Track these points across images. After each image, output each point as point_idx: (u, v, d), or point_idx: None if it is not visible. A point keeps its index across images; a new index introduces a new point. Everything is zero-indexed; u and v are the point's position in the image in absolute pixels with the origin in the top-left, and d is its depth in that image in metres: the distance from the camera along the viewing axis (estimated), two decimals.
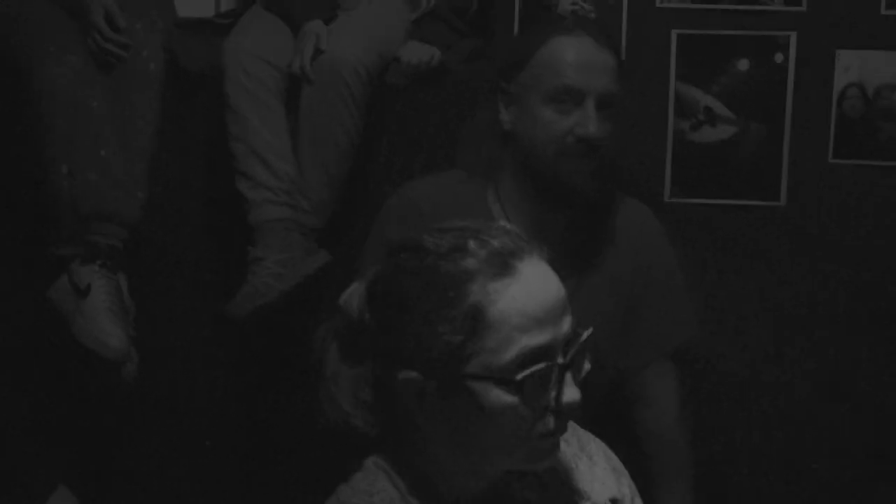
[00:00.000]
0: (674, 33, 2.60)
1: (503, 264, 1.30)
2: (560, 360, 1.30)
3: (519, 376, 1.27)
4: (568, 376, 1.31)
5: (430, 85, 2.59)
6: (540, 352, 1.28)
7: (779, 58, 2.59)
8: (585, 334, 1.33)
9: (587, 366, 1.36)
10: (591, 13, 2.61)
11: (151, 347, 2.65)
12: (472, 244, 1.32)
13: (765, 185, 2.62)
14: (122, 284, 2.60)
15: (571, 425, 1.51)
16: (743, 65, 2.60)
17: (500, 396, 1.29)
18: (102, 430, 2.76)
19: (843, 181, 2.61)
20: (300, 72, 2.49)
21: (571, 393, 1.31)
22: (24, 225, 2.69)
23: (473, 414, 1.30)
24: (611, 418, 2.24)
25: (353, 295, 1.41)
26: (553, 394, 1.30)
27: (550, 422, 1.31)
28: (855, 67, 2.57)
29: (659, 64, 2.60)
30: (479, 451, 1.34)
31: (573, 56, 2.06)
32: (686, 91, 2.61)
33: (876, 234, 2.62)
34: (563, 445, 1.50)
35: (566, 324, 1.31)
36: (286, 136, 2.54)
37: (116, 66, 2.59)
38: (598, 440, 1.59)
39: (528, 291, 1.30)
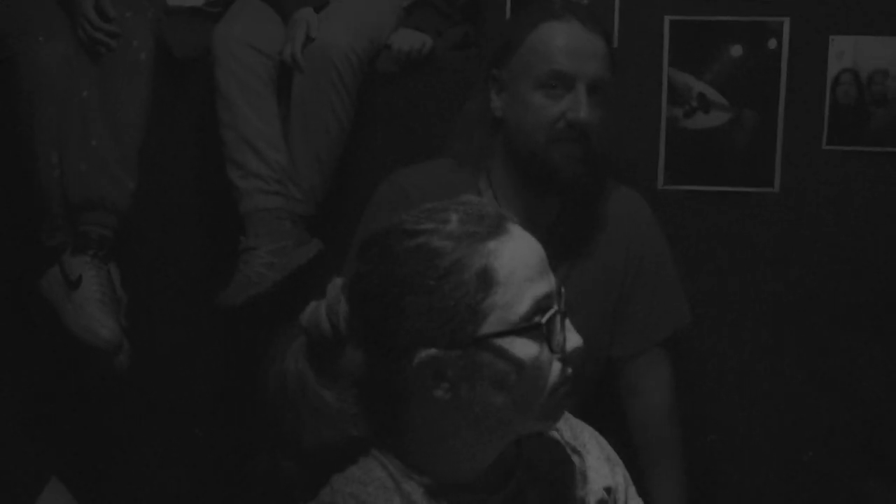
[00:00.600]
0: (666, 19, 2.59)
1: (493, 225, 1.33)
2: (560, 307, 1.34)
3: (543, 319, 1.31)
4: (568, 322, 1.35)
5: (421, 72, 2.58)
6: (547, 299, 1.33)
7: (772, 44, 2.57)
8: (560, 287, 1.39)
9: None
10: (584, 0, 2.60)
11: (143, 337, 2.64)
12: (454, 215, 1.34)
13: (758, 172, 2.61)
14: (113, 274, 2.60)
15: (564, 415, 1.51)
16: (736, 51, 2.58)
17: (525, 346, 1.32)
18: (95, 420, 2.76)
19: (836, 168, 2.60)
20: (291, 59, 2.48)
21: (575, 339, 1.36)
22: (14, 215, 2.68)
23: (499, 373, 1.32)
24: (603, 407, 2.24)
25: (318, 311, 1.40)
26: (560, 340, 1.33)
27: (559, 371, 1.34)
28: (848, 53, 2.56)
29: (652, 50, 2.59)
30: (498, 417, 1.34)
31: (563, 41, 2.06)
32: (679, 78, 2.60)
33: (870, 220, 2.61)
34: (555, 435, 1.51)
35: (553, 278, 1.36)
36: (277, 124, 2.53)
37: (106, 55, 2.57)
38: (590, 429, 1.59)
39: (524, 245, 1.34)
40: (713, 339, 2.63)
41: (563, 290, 1.36)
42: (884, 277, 2.61)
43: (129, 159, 2.59)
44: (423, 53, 2.56)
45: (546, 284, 1.33)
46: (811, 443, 2.66)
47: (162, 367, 2.71)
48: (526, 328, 1.31)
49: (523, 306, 1.31)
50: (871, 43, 2.56)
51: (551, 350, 1.33)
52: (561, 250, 2.16)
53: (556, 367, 1.34)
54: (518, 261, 1.32)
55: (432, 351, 1.32)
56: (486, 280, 1.31)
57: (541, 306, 1.32)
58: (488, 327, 1.31)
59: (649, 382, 2.26)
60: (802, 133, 2.59)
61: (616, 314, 2.24)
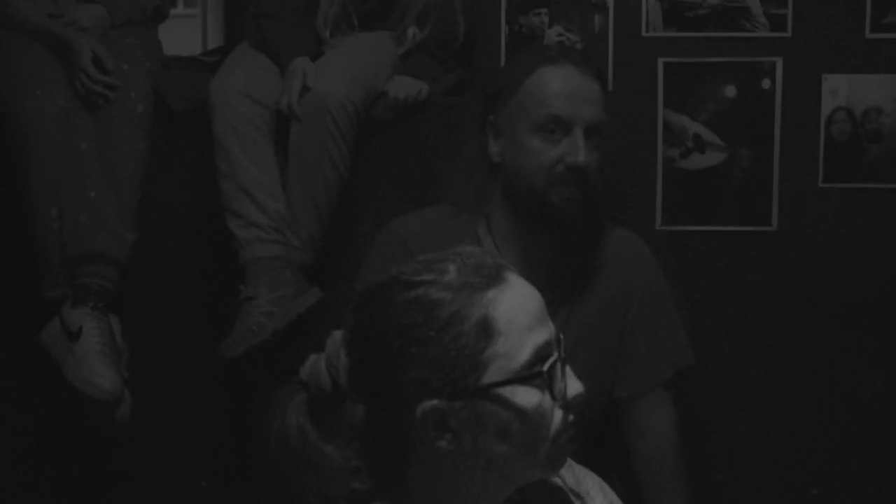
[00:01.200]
0: (660, 62, 2.61)
1: (491, 274, 1.33)
2: (559, 354, 1.33)
3: (545, 367, 1.31)
4: (568, 369, 1.35)
5: (417, 118, 2.59)
6: (547, 347, 1.32)
7: (766, 83, 2.59)
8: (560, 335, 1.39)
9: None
10: (578, 43, 2.62)
11: (145, 389, 2.64)
12: (451, 266, 1.34)
13: (756, 211, 2.62)
14: (114, 326, 2.59)
15: (567, 461, 1.51)
16: (730, 91, 2.60)
17: (528, 394, 1.31)
18: (97, 473, 2.74)
19: (834, 205, 2.61)
20: (288, 109, 2.49)
21: (576, 385, 1.35)
22: (14, 268, 2.68)
23: (502, 423, 1.31)
24: (607, 449, 2.24)
25: (318, 365, 1.40)
26: (562, 387, 1.33)
27: (560, 418, 1.34)
28: (842, 91, 2.58)
29: (646, 92, 2.61)
30: (502, 466, 1.34)
31: (560, 86, 2.09)
32: (674, 119, 2.62)
33: (869, 256, 2.62)
34: (558, 481, 1.50)
35: (551, 321, 1.36)
36: (275, 174, 2.54)
37: (104, 108, 2.59)
38: (594, 475, 1.58)
39: (523, 293, 1.33)
40: (716, 379, 2.62)
41: (561, 336, 1.36)
42: (885, 313, 2.62)
43: (129, 211, 2.60)
44: (419, 100, 2.57)
45: (546, 332, 1.33)
46: (818, 480, 2.65)
47: (164, 419, 2.70)
48: (528, 377, 1.31)
49: (524, 355, 1.31)
50: (863, 81, 2.58)
51: (553, 398, 1.32)
52: (561, 293, 2.16)
53: (559, 414, 1.33)
54: (517, 309, 1.32)
55: (434, 402, 1.31)
56: (487, 330, 1.30)
57: (541, 354, 1.31)
58: (490, 377, 1.30)
59: (653, 423, 2.25)
60: (799, 171, 2.61)
61: (618, 356, 2.23)
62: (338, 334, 1.41)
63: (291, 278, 2.50)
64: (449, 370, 1.30)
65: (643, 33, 2.62)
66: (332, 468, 1.38)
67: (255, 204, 2.50)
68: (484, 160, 2.16)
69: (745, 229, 2.63)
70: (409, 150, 2.59)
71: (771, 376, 2.64)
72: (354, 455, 1.38)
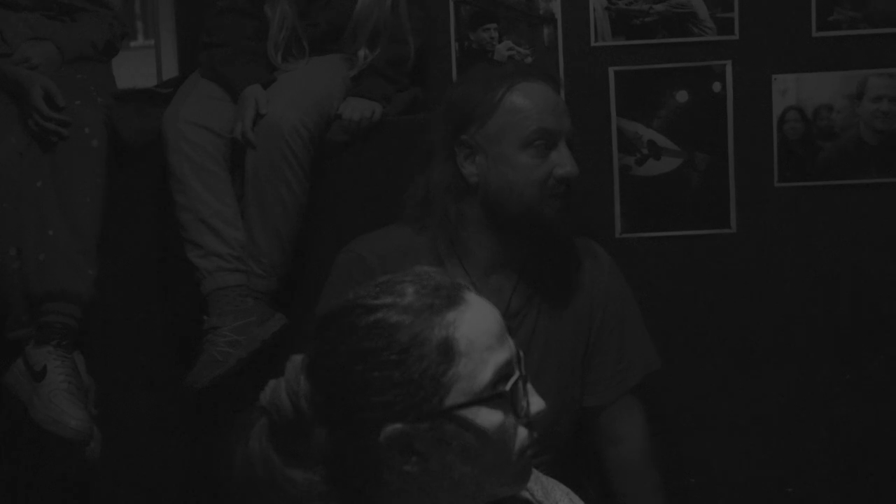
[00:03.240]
0: (611, 70, 2.63)
1: (449, 295, 1.34)
2: (520, 371, 1.34)
3: (507, 387, 1.32)
4: (530, 386, 1.35)
5: (373, 139, 2.60)
6: (508, 366, 1.33)
7: (716, 87, 2.62)
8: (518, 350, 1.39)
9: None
10: (528, 57, 2.63)
11: (113, 424, 2.62)
12: (409, 288, 1.34)
13: (714, 214, 2.64)
14: (78, 363, 2.57)
15: (534, 473, 1.51)
16: (682, 96, 2.62)
17: (490, 415, 1.31)
18: None
19: (791, 203, 2.63)
20: (242, 137, 2.49)
21: (538, 402, 1.35)
22: None
23: (466, 444, 1.31)
24: (579, 457, 2.24)
25: (278, 391, 1.38)
26: (524, 405, 1.34)
27: (525, 435, 1.34)
28: (792, 91, 2.61)
29: (599, 102, 2.63)
30: (469, 486, 1.34)
31: (542, 100, 2.12)
32: (628, 126, 2.63)
33: (827, 252, 2.64)
34: (526, 495, 1.50)
35: (511, 339, 1.37)
36: (233, 202, 2.53)
37: (58, 145, 2.57)
38: (561, 486, 1.58)
39: (482, 314, 1.34)
40: (684, 382, 2.64)
41: (521, 354, 1.37)
42: (846, 307, 2.64)
43: (88, 247, 2.58)
44: (373, 121, 2.57)
45: (506, 351, 1.34)
46: (791, 477, 2.67)
47: (134, 454, 2.69)
48: (490, 397, 1.31)
49: (486, 375, 1.31)
50: (813, 80, 2.61)
51: (516, 416, 1.33)
52: (526, 309, 2.19)
53: (522, 432, 1.34)
54: (477, 330, 1.32)
55: (398, 426, 1.31)
56: (448, 352, 1.31)
57: (503, 373, 1.32)
58: (453, 399, 1.31)
59: (624, 430, 2.26)
60: (754, 172, 2.63)
61: (585, 364, 2.24)
62: (297, 359, 1.40)
63: (254, 306, 2.49)
64: (412, 393, 1.30)
65: (592, 43, 2.64)
66: (299, 493, 1.37)
67: (214, 234, 2.50)
68: (456, 182, 2.17)
69: (704, 233, 2.65)
70: (366, 171, 2.60)
71: (738, 377, 2.66)
72: (320, 479, 1.38)
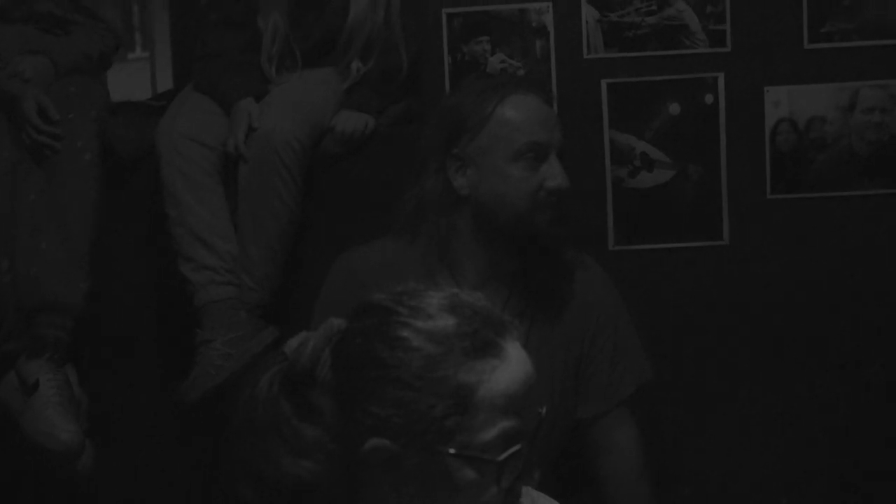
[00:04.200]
0: (603, 83, 2.63)
1: (488, 342, 1.30)
2: (527, 444, 1.30)
3: (501, 457, 1.27)
4: (529, 458, 1.31)
5: (366, 151, 2.60)
6: (517, 434, 1.29)
7: (709, 99, 2.62)
8: (543, 411, 1.34)
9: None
10: (520, 69, 2.64)
11: (106, 437, 2.62)
12: (452, 319, 1.30)
13: (707, 226, 2.64)
14: (70, 376, 2.58)
15: (525, 488, 1.50)
16: (674, 108, 2.62)
17: (475, 476, 1.28)
18: None
19: (783, 215, 2.63)
20: (234, 150, 2.49)
21: (535, 475, 1.33)
22: None
23: (444, 488, 1.29)
24: (572, 469, 2.24)
25: (305, 346, 1.36)
26: (510, 479, 1.29)
27: (493, 495, 1.30)
28: (784, 102, 2.61)
29: (591, 114, 2.62)
30: None
31: (534, 113, 2.12)
32: (620, 139, 2.64)
33: (821, 264, 2.64)
34: None
35: (538, 409, 1.33)
36: (226, 215, 2.54)
37: (51, 158, 2.58)
38: (552, 500, 1.58)
39: (514, 375, 1.30)
40: (677, 394, 2.63)
41: (542, 419, 1.33)
42: (839, 318, 2.64)
43: (81, 260, 2.58)
44: (366, 133, 2.59)
45: (522, 421, 1.29)
46: (786, 488, 2.66)
47: (126, 467, 2.69)
48: (483, 460, 1.28)
49: (488, 436, 1.28)
50: (805, 91, 2.61)
51: (497, 484, 1.28)
52: (520, 314, 2.18)
53: (494, 496, 1.30)
54: (500, 390, 1.28)
55: (386, 443, 1.29)
56: (463, 400, 1.28)
57: (505, 440, 1.28)
58: (451, 445, 1.28)
59: (617, 441, 2.26)
60: (747, 184, 2.63)
61: (578, 376, 2.24)
62: (335, 324, 1.37)
63: (247, 319, 2.49)
64: (412, 421, 1.28)
65: (585, 55, 2.64)
66: (305, 447, 1.34)
67: (206, 247, 2.50)
68: (447, 195, 2.17)
69: (697, 245, 2.65)
70: (360, 183, 2.60)
71: (732, 388, 2.65)
72: (329, 440, 1.35)
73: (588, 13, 2.63)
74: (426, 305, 1.32)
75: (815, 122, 2.61)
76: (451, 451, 1.27)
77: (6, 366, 2.57)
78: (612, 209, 2.65)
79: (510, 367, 1.30)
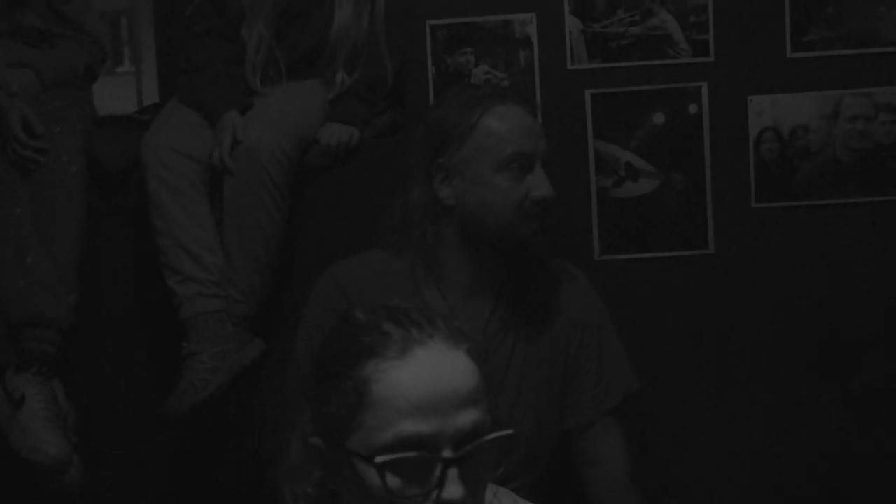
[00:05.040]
0: (587, 93, 2.64)
1: (402, 347, 1.28)
2: (447, 454, 1.25)
3: (380, 459, 1.25)
4: (453, 472, 1.24)
5: (352, 163, 2.60)
6: (417, 440, 1.25)
7: (692, 108, 2.63)
8: (498, 434, 1.29)
9: (496, 469, 1.30)
10: (505, 80, 2.65)
11: (94, 451, 2.61)
12: (386, 324, 1.31)
13: (692, 235, 2.65)
14: (57, 390, 2.57)
15: (511, 496, 1.51)
16: (658, 118, 2.63)
17: (373, 477, 1.26)
18: None
19: (768, 224, 2.64)
20: (220, 163, 2.49)
21: (452, 491, 1.24)
22: None
23: (360, 487, 1.28)
24: (559, 480, 2.24)
25: None
26: (431, 489, 1.25)
27: None
28: (768, 111, 2.62)
29: (576, 124, 2.64)
30: None
31: (519, 123, 2.14)
32: (605, 149, 2.65)
33: (806, 272, 2.65)
34: None
35: (463, 418, 1.26)
36: (212, 228, 2.53)
37: (37, 172, 2.57)
38: None
39: (417, 377, 1.27)
40: (664, 404, 2.64)
41: (475, 435, 1.27)
42: (824, 326, 2.65)
43: (68, 274, 2.58)
44: (351, 145, 2.58)
45: (427, 424, 1.25)
46: (772, 497, 2.67)
47: (114, 481, 2.68)
48: (369, 459, 1.26)
49: (383, 437, 1.25)
50: (788, 100, 2.62)
51: (385, 489, 1.25)
52: (504, 331, 2.20)
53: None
54: (399, 391, 1.26)
55: (317, 440, 1.33)
56: (362, 396, 1.27)
57: (404, 444, 1.24)
58: (352, 443, 1.28)
59: (604, 452, 2.26)
60: (731, 193, 2.64)
61: (564, 386, 2.25)
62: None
63: (234, 332, 2.49)
64: (325, 417, 1.31)
65: (569, 66, 2.65)
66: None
67: (192, 259, 2.50)
68: (433, 205, 2.18)
69: (682, 254, 2.66)
70: (345, 195, 2.60)
71: (718, 397, 2.66)
72: None
73: (572, 24, 2.64)
74: (371, 314, 1.34)
75: (799, 130, 2.62)
76: (356, 449, 1.27)
77: None
78: (597, 219, 2.66)
79: (414, 370, 1.27)
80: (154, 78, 3.93)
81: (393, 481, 1.24)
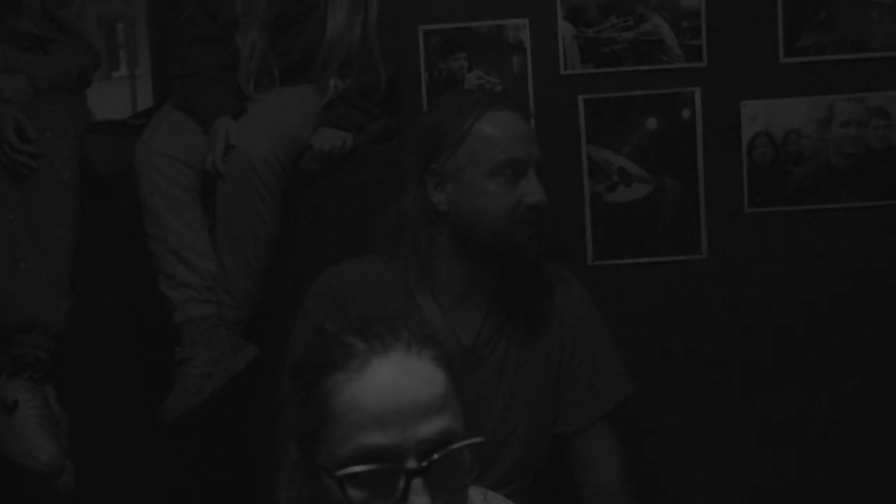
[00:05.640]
0: (580, 98, 2.64)
1: (362, 361, 1.28)
2: (410, 465, 1.24)
3: (340, 472, 1.25)
4: (417, 483, 1.23)
5: (345, 169, 2.60)
6: (379, 452, 1.25)
7: (686, 113, 2.63)
8: (465, 443, 1.28)
9: (468, 476, 1.29)
10: (498, 86, 2.65)
11: (87, 457, 2.61)
12: (350, 337, 1.31)
13: (685, 240, 2.65)
14: (50, 396, 2.57)
15: (502, 500, 1.50)
16: (651, 123, 2.64)
17: (335, 490, 1.26)
18: None
19: (761, 229, 2.65)
20: (213, 169, 2.49)
21: (417, 501, 1.23)
22: None
23: (329, 502, 1.28)
24: (553, 485, 2.24)
25: None
26: (397, 501, 1.24)
27: None
28: (761, 116, 2.63)
29: (569, 129, 2.64)
30: None
31: (512, 129, 2.14)
32: (598, 154, 2.65)
33: (799, 277, 2.65)
34: None
35: (426, 428, 1.25)
36: (205, 233, 2.53)
37: (29, 177, 2.57)
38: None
39: (375, 389, 1.27)
40: (658, 408, 2.64)
41: (440, 445, 1.26)
42: (818, 330, 2.65)
43: (60, 279, 2.57)
44: (344, 151, 2.58)
45: (387, 436, 1.24)
46: (766, 500, 2.67)
47: (107, 486, 2.67)
48: (330, 473, 1.26)
49: (344, 450, 1.25)
50: (781, 105, 2.63)
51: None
52: (498, 336, 2.20)
53: None
54: (356, 403, 1.26)
55: (295, 454, 1.33)
56: (324, 410, 1.28)
57: (366, 457, 1.24)
58: (320, 457, 1.29)
59: (598, 457, 2.26)
60: (724, 198, 2.64)
61: (558, 391, 2.25)
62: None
63: (227, 337, 2.49)
64: (296, 428, 1.32)
65: (562, 71, 2.66)
66: None
67: (185, 264, 2.50)
68: (426, 211, 2.18)
69: (676, 259, 2.66)
70: (338, 201, 2.60)
71: (712, 402, 2.66)
72: None
73: (565, 29, 2.64)
74: (343, 325, 1.34)
75: (792, 135, 2.63)
76: (323, 463, 1.27)
77: None
78: (590, 224, 2.66)
79: (372, 382, 1.27)
80: (150, 83, 3.93)
81: (356, 494, 1.24)
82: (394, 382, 1.27)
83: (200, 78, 2.64)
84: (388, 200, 2.25)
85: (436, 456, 1.25)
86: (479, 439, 1.28)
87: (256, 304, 2.55)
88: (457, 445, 1.26)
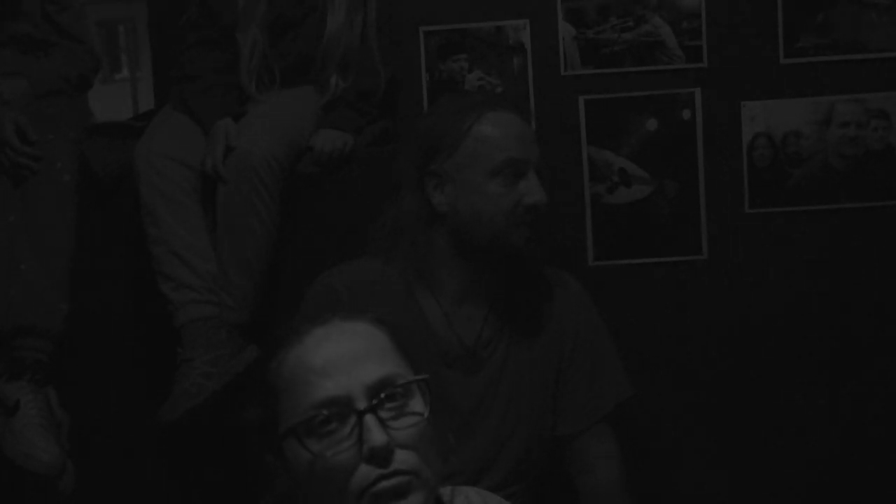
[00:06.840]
0: (581, 99, 2.65)
1: (301, 333, 1.36)
2: (360, 405, 1.29)
3: (296, 420, 1.29)
4: (369, 419, 1.28)
5: (344, 171, 2.60)
6: (330, 402, 1.29)
7: (685, 114, 2.64)
8: (412, 379, 1.33)
9: (414, 407, 1.32)
10: (498, 87, 2.65)
11: (87, 458, 2.61)
12: (305, 326, 1.37)
13: (686, 240, 2.66)
14: (50, 398, 2.57)
15: (479, 493, 1.50)
16: (651, 124, 2.64)
17: (301, 452, 1.30)
18: None
19: (761, 229, 2.65)
20: (213, 171, 2.49)
21: (373, 438, 1.27)
22: None
23: (303, 480, 1.31)
24: (552, 487, 2.24)
25: None
26: (355, 443, 1.28)
27: (369, 472, 1.28)
28: (760, 117, 2.63)
29: (569, 130, 2.64)
30: None
31: (511, 129, 2.14)
32: (598, 155, 2.65)
33: (798, 277, 2.65)
34: None
35: (370, 372, 1.31)
36: (205, 235, 2.53)
37: (30, 179, 2.57)
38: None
39: (310, 348, 1.33)
40: (657, 410, 2.64)
41: (384, 385, 1.30)
42: (818, 331, 2.65)
43: (60, 282, 2.58)
44: (344, 152, 2.58)
45: (333, 385, 1.29)
46: (766, 500, 2.67)
47: (108, 487, 2.68)
48: (293, 433, 1.30)
49: (300, 411, 1.30)
50: (781, 106, 2.63)
51: (310, 452, 1.28)
52: (497, 338, 2.20)
53: (363, 470, 1.28)
54: (298, 366, 1.32)
55: (270, 457, 1.35)
56: (273, 391, 1.33)
57: (322, 410, 1.29)
58: (281, 433, 1.32)
59: (597, 458, 2.26)
60: (724, 198, 2.65)
61: (557, 393, 2.25)
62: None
63: (227, 338, 2.49)
64: (260, 422, 1.35)
65: (562, 72, 2.66)
66: None
67: (186, 266, 2.50)
68: (425, 212, 2.18)
69: (676, 259, 2.67)
70: (338, 203, 2.60)
71: (712, 403, 2.66)
72: None
73: (565, 30, 2.65)
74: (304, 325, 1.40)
75: (791, 136, 2.63)
76: (280, 437, 1.31)
77: None
78: (590, 225, 2.66)
79: (307, 344, 1.34)
80: (150, 85, 3.93)
81: (316, 445, 1.28)
82: (333, 337, 1.34)
83: (201, 80, 2.65)
84: (387, 202, 2.25)
85: (383, 395, 1.29)
86: (424, 376, 1.34)
87: (257, 305, 2.55)
88: (402, 381, 1.31)
